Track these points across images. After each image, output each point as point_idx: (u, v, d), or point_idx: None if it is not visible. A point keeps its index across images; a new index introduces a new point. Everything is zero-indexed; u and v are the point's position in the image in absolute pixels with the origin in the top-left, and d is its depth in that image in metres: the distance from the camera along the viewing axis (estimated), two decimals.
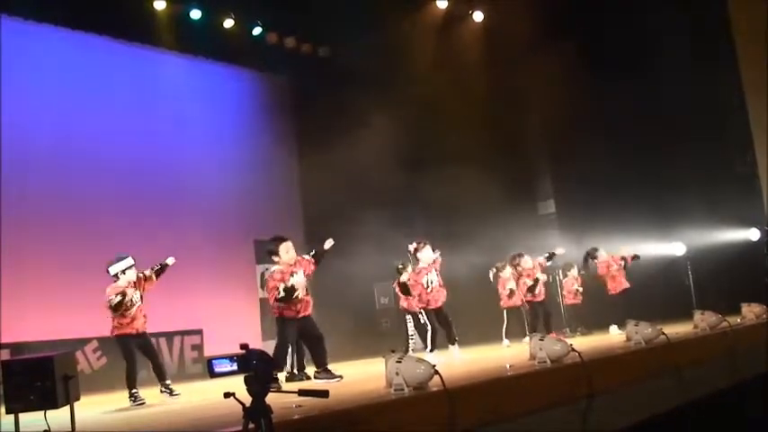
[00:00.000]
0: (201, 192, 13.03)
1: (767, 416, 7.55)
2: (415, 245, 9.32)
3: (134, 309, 7.47)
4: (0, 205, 10.50)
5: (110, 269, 7.56)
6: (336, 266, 10.13)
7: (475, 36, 14.09)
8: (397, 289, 9.88)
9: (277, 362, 7.10)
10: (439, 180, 12.54)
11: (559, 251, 11.50)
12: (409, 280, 9.25)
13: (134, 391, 7.24)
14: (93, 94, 12.28)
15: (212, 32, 13.10)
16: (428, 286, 9.16)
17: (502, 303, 11.39)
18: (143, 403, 7.16)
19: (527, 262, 11.20)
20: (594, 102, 12.81)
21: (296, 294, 7.15)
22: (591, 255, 11.37)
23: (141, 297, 7.62)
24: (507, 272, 11.20)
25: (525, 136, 14.21)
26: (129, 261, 7.59)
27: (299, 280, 7.22)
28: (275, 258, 7.33)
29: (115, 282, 7.53)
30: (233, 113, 14.34)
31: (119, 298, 7.34)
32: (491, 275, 11.26)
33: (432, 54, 13.26)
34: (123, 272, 7.53)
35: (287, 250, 7.34)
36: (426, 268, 9.23)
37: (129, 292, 7.46)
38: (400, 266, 9.87)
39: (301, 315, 7.24)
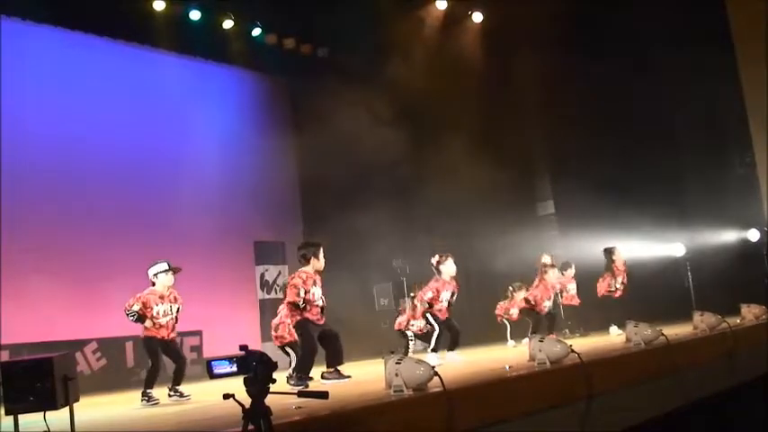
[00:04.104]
0: (201, 193, 13.01)
1: (767, 418, 7.55)
2: (438, 257, 9.26)
3: (164, 320, 7.41)
4: (0, 206, 10.50)
5: (149, 271, 7.54)
6: (336, 268, 10.12)
7: (474, 37, 14.10)
8: (419, 308, 9.63)
9: (307, 367, 7.07)
10: (438, 181, 12.54)
11: (546, 259, 11.57)
12: (434, 293, 9.18)
13: (149, 391, 7.20)
14: (92, 95, 12.29)
15: (212, 33, 13.11)
16: (442, 301, 9.15)
17: (499, 319, 11.47)
18: (157, 403, 7.12)
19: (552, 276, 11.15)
20: (594, 102, 12.81)
21: (315, 303, 7.15)
22: (610, 251, 11.31)
23: (178, 309, 7.55)
24: (521, 295, 11.24)
25: (524, 137, 14.19)
26: (162, 266, 7.52)
27: (318, 292, 7.21)
28: (312, 261, 7.27)
29: (152, 286, 7.49)
30: (232, 114, 14.34)
31: (137, 306, 7.31)
32: (509, 292, 11.40)
33: (431, 55, 13.25)
34: (156, 276, 7.48)
35: (323, 255, 7.33)
36: (448, 283, 9.20)
37: (159, 304, 7.38)
38: (411, 295, 9.88)
39: (321, 323, 7.23)
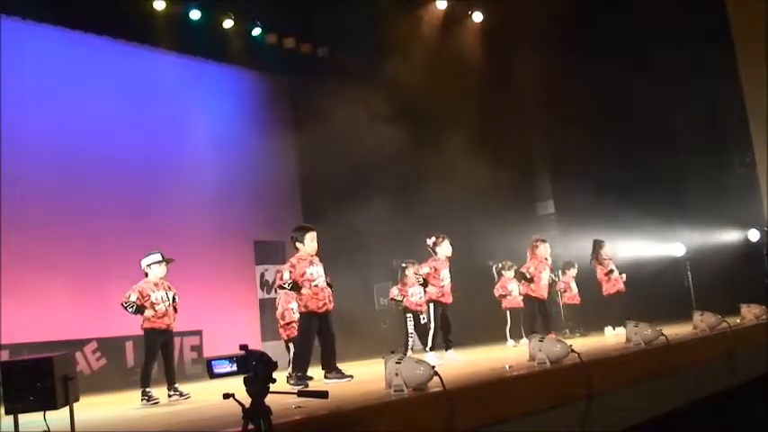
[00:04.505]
0: (201, 192, 13.02)
1: (767, 418, 7.55)
2: (433, 239, 9.28)
3: (163, 306, 7.42)
4: (0, 205, 10.50)
5: (142, 262, 7.59)
6: (336, 267, 10.12)
7: (474, 36, 14.10)
8: (411, 283, 9.57)
9: (303, 362, 7.04)
10: (438, 181, 12.54)
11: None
12: (431, 269, 9.18)
13: (147, 390, 7.20)
14: (92, 94, 12.28)
15: (212, 33, 13.12)
16: (443, 280, 9.15)
17: (504, 304, 11.38)
18: (157, 402, 7.12)
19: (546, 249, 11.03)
20: (594, 102, 12.81)
21: (315, 283, 7.10)
22: (598, 245, 11.30)
23: (174, 296, 7.59)
24: (511, 273, 11.19)
25: (524, 137, 14.20)
26: (156, 257, 7.57)
27: (317, 271, 7.17)
28: (298, 246, 7.28)
29: (145, 278, 7.54)
30: (232, 114, 14.34)
31: (134, 296, 7.33)
32: (494, 270, 11.27)
33: (431, 54, 13.26)
34: (149, 266, 7.51)
35: (312, 239, 7.30)
36: (444, 262, 9.22)
37: (155, 291, 7.42)
38: (403, 265, 9.82)
39: (324, 310, 7.15)
